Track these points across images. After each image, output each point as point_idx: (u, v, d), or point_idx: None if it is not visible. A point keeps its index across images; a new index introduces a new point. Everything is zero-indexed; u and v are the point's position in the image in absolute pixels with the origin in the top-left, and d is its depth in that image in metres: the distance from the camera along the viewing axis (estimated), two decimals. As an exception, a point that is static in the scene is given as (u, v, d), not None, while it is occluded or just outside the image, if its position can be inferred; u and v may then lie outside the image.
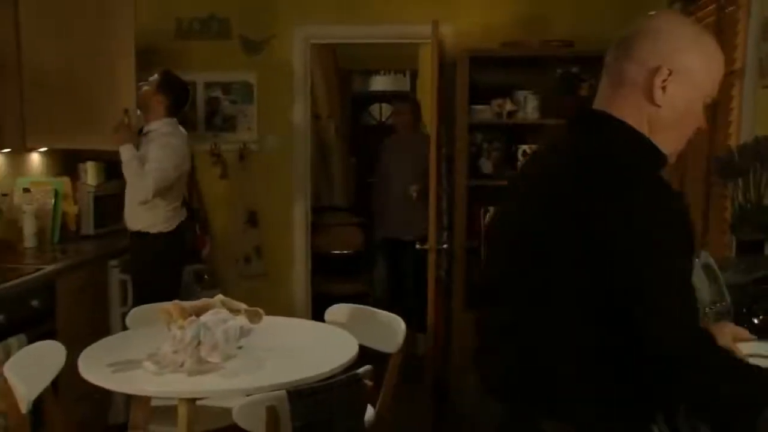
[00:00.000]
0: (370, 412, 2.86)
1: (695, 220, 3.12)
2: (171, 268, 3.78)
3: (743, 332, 1.63)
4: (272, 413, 2.12)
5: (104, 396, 3.45)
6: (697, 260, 2.07)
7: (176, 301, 2.58)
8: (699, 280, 1.97)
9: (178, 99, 3.87)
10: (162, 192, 3.68)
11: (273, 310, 3.16)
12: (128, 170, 3.66)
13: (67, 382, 2.42)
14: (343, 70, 8.10)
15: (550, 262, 1.37)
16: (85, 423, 3.59)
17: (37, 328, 3.14)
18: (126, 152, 3.65)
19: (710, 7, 3.15)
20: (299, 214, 4.84)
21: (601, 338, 1.35)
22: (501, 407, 1.48)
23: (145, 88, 3.86)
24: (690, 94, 1.43)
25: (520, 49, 4.37)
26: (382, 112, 9.65)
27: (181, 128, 3.91)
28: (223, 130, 4.78)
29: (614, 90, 1.45)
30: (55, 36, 3.83)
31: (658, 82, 1.40)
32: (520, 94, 4.37)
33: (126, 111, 3.81)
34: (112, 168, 4.47)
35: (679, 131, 1.46)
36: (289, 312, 4.14)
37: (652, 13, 1.51)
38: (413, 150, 5.08)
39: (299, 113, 4.79)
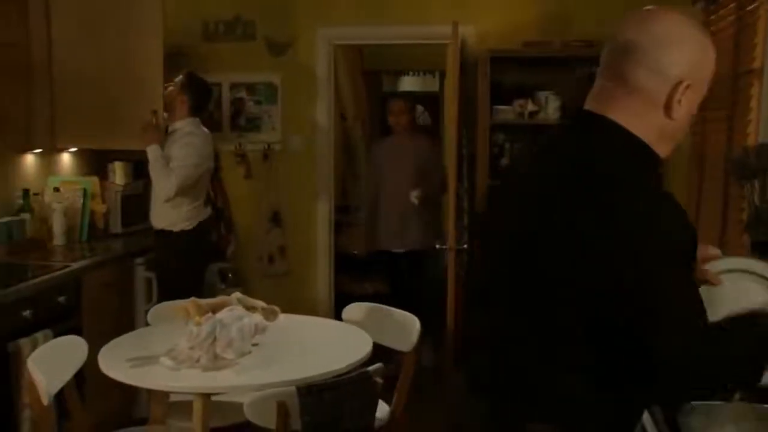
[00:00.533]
0: (385, 410, 2.91)
1: (713, 221, 3.10)
2: (193, 266, 3.85)
3: (712, 251, 1.55)
4: (282, 408, 2.17)
5: (128, 391, 3.53)
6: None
7: (193, 299, 2.64)
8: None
9: (200, 99, 3.96)
10: (185, 190, 3.77)
11: (296, 309, 3.22)
12: (153, 169, 3.77)
13: (93, 377, 2.50)
14: (372, 71, 8.14)
15: (540, 266, 1.36)
16: (111, 416, 3.67)
17: (63, 324, 3.23)
18: (152, 152, 3.75)
19: (730, 6, 3.12)
20: (322, 214, 4.89)
21: (588, 344, 1.34)
22: (485, 407, 1.47)
23: (170, 89, 3.96)
24: (697, 101, 1.40)
25: (541, 49, 4.36)
26: (411, 112, 9.68)
27: (204, 128, 3.99)
28: (248, 131, 4.85)
29: (619, 95, 1.37)
30: (84, 40, 3.94)
31: (677, 96, 1.34)
32: (542, 95, 4.37)
33: (154, 112, 3.91)
34: (139, 168, 4.59)
35: (680, 135, 1.44)
36: (311, 311, 4.18)
37: (658, 8, 1.40)
38: (413, 153, 4.84)
39: (323, 113, 4.84)
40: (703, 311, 1.34)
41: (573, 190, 1.34)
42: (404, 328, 2.94)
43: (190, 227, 3.87)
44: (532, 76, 4.46)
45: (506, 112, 4.39)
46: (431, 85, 9.29)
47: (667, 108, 1.35)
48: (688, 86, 1.34)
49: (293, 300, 4.43)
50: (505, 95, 4.42)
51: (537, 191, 1.41)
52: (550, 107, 4.35)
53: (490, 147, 4.43)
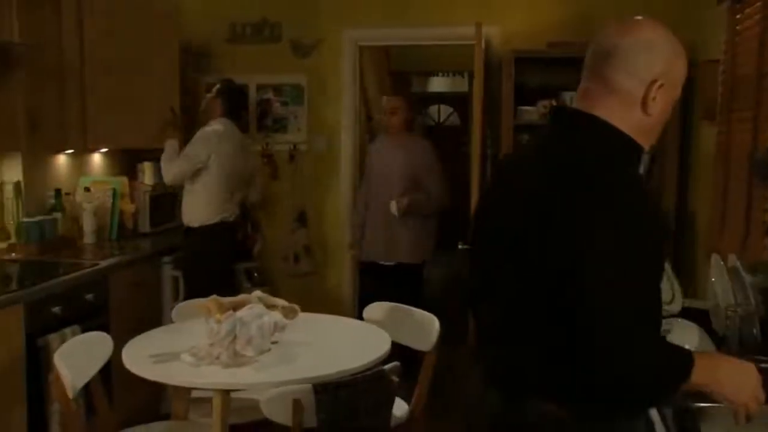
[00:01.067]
0: (404, 409, 2.93)
1: (737, 221, 3.06)
2: (216, 264, 3.91)
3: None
4: (298, 406, 2.20)
5: (155, 387, 3.60)
6: (721, 263, 2.06)
7: (214, 297, 2.69)
8: (721, 282, 1.96)
9: (234, 103, 4.14)
10: (187, 176, 3.95)
11: (320, 309, 3.26)
12: (162, 158, 3.99)
13: (120, 373, 2.56)
14: (401, 72, 8.16)
15: (527, 259, 1.44)
16: (138, 412, 3.75)
17: (92, 321, 3.31)
18: (169, 147, 3.91)
19: (756, 5, 3.08)
20: (348, 214, 4.93)
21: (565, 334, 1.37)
22: (497, 397, 1.54)
23: (208, 96, 4.12)
24: (673, 97, 1.54)
25: (565, 49, 4.32)
26: (440, 113, 9.68)
27: (237, 130, 4.13)
28: (274, 131, 4.92)
29: (602, 95, 1.50)
30: (113, 44, 4.05)
31: (652, 94, 1.49)
32: (566, 95, 4.34)
33: (171, 109, 4.05)
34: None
35: (658, 129, 1.57)
36: (336, 310, 4.22)
37: (636, 18, 1.53)
38: (403, 158, 4.37)
39: (348, 114, 4.88)
40: (653, 311, 1.42)
41: (565, 183, 1.42)
42: (423, 327, 2.96)
43: (207, 222, 3.95)
44: (556, 77, 4.44)
45: (530, 113, 4.39)
46: (460, 85, 9.28)
47: (641, 103, 1.49)
48: (661, 85, 1.49)
49: (318, 299, 4.49)
50: (529, 96, 4.41)
51: (533, 186, 1.49)
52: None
53: (515, 148, 4.42)
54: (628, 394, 1.38)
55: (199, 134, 4.00)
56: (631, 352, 1.32)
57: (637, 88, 1.49)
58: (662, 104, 1.51)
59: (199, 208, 3.98)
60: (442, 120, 9.69)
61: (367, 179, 4.58)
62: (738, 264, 2.05)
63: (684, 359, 1.41)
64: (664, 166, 4.21)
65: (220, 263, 3.91)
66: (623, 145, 1.50)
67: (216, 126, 4.02)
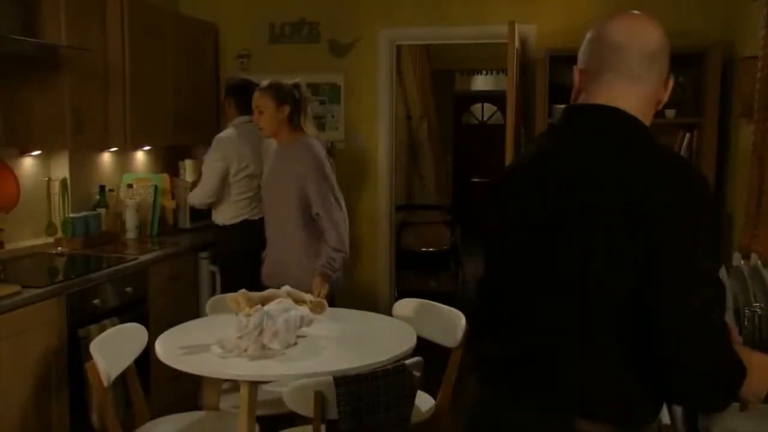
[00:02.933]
0: (430, 404, 2.97)
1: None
2: (243, 261, 3.98)
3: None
4: (319, 397, 2.26)
5: (193, 378, 3.69)
6: (741, 262, 2.04)
7: (243, 291, 2.77)
8: (735, 282, 1.95)
9: (242, 97, 4.02)
10: (216, 191, 4.03)
11: (356, 305, 3.32)
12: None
13: (158, 364, 2.66)
14: (444, 70, 8.18)
15: (594, 254, 1.40)
16: (177, 403, 3.87)
17: (131, 313, 3.44)
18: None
19: (793, 1, 3.02)
20: (384, 212, 4.98)
21: (624, 320, 1.40)
22: (532, 417, 1.50)
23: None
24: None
25: (602, 47, 4.30)
26: (483, 111, 9.66)
27: (249, 128, 3.94)
28: (312, 130, 4.98)
29: (628, 90, 1.53)
30: (154, 50, 4.24)
31: (663, 90, 1.58)
32: (602, 93, 4.30)
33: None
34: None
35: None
36: (372, 307, 4.26)
37: (638, 13, 1.58)
38: (290, 167, 3.45)
39: (385, 113, 4.92)
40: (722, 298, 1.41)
41: (610, 170, 1.44)
42: (450, 323, 2.99)
43: (232, 222, 4.06)
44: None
45: (565, 111, 4.35)
46: (504, 84, 9.24)
47: (659, 102, 1.59)
48: (666, 82, 1.58)
49: (354, 296, 4.54)
50: (565, 94, 4.37)
51: (573, 174, 1.48)
52: (611, 106, 4.28)
53: (521, 153, 4.40)
54: (712, 390, 1.39)
55: (212, 144, 4.02)
56: (715, 346, 1.36)
57: (658, 86, 1.56)
58: (664, 99, 1.60)
59: (222, 208, 4.08)
60: (485, 119, 9.67)
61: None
62: (759, 263, 2.03)
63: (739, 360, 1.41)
64: (700, 166, 4.15)
65: (245, 261, 3.95)
66: (647, 133, 1.54)
67: (228, 131, 4.04)
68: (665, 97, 1.58)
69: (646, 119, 1.55)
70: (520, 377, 1.52)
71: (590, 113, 1.57)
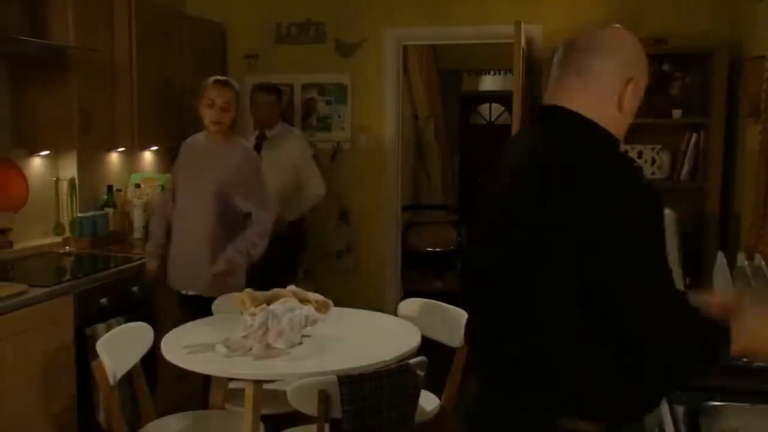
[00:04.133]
0: (435, 403, 2.97)
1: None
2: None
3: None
4: (323, 396, 2.27)
5: (200, 377, 3.70)
6: (746, 263, 2.04)
7: (248, 290, 2.78)
8: (724, 281, 1.96)
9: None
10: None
11: (363, 305, 3.33)
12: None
13: (165, 363, 2.67)
14: (451, 70, 8.17)
15: (545, 251, 1.45)
16: (184, 402, 3.88)
17: (137, 312, 3.44)
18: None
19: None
20: (390, 212, 4.99)
21: (582, 309, 1.44)
22: (518, 417, 1.52)
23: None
24: (640, 97, 1.60)
25: (608, 47, 4.30)
26: (491, 112, 9.65)
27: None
28: (319, 130, 5.01)
29: (579, 89, 1.55)
30: (161, 51, 4.26)
31: (628, 92, 1.55)
32: (609, 93, 4.30)
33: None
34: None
35: (626, 127, 1.63)
36: (378, 307, 4.28)
37: (608, 27, 1.60)
38: (218, 168, 3.39)
39: (391, 113, 4.93)
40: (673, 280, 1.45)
41: (560, 173, 1.48)
42: (455, 323, 2.99)
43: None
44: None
45: (572, 111, 4.35)
46: (512, 84, 9.21)
47: (619, 102, 1.55)
48: (635, 84, 1.55)
49: (360, 295, 4.56)
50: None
51: (534, 187, 1.51)
52: (617, 106, 4.27)
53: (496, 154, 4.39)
54: (686, 364, 1.43)
55: (295, 139, 4.40)
56: (681, 321, 1.41)
57: (616, 86, 1.54)
58: (632, 102, 1.57)
59: (293, 204, 4.24)
60: (493, 119, 9.66)
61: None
62: (764, 264, 2.03)
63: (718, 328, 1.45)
64: (707, 167, 4.14)
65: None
66: (608, 137, 1.55)
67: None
68: (628, 102, 1.55)
69: (603, 117, 1.54)
70: (516, 377, 1.53)
71: (542, 114, 1.64)
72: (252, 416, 2.48)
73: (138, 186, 4.35)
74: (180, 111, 4.41)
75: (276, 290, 2.86)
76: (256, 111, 4.42)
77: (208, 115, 3.37)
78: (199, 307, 3.29)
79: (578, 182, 1.42)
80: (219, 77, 3.45)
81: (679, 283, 3.53)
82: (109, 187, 4.20)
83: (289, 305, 2.72)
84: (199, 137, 3.53)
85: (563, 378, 1.46)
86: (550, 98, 1.59)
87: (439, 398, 3.00)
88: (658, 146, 4.32)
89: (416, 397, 2.47)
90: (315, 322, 2.76)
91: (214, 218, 3.38)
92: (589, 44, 1.55)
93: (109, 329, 3.05)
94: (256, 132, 4.40)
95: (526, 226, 1.48)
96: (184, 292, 3.53)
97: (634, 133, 4.26)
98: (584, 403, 1.46)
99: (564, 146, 1.51)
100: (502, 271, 1.53)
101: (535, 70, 4.53)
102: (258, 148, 4.21)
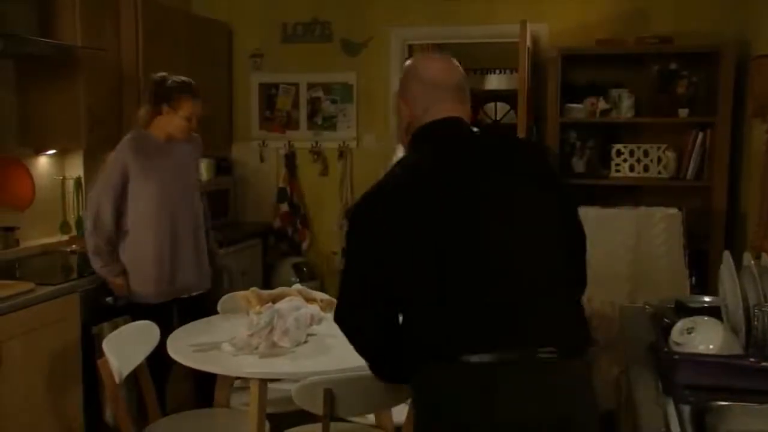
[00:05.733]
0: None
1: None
2: None
3: None
4: (328, 395, 2.27)
5: (192, 377, 3.69)
6: (752, 262, 2.04)
7: (254, 289, 2.79)
8: (730, 281, 1.95)
9: None
10: None
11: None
12: None
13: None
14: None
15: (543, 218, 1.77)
16: (190, 400, 3.90)
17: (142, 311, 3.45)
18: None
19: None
20: (395, 211, 4.97)
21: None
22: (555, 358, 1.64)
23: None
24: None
25: (613, 46, 4.29)
26: (497, 110, 9.63)
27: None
28: (324, 129, 5.01)
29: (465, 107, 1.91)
30: (167, 51, 4.25)
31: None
32: (615, 93, 4.30)
33: None
34: (221, 165, 4.84)
35: None
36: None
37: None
38: (189, 162, 3.47)
39: (396, 112, 4.92)
40: None
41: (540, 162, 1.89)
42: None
43: None
44: (605, 74, 4.40)
45: (577, 111, 4.35)
46: (517, 83, 9.19)
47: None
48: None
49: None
50: (578, 93, 4.38)
51: (512, 173, 1.81)
52: (624, 105, 4.27)
53: (561, 145, 4.40)
54: None
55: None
56: None
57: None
58: None
59: None
60: (499, 118, 9.64)
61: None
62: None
63: None
64: (713, 166, 4.13)
65: None
66: None
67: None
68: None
69: None
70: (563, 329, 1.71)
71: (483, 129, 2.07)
72: (258, 415, 2.49)
73: (144, 185, 4.35)
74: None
75: (282, 289, 2.87)
76: None
77: (179, 126, 3.31)
78: (198, 306, 3.35)
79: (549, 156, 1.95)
80: (192, 86, 3.30)
81: (685, 284, 3.53)
82: (116, 186, 4.20)
83: (295, 304, 2.73)
84: (148, 137, 3.33)
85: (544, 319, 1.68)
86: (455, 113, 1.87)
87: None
88: (664, 145, 4.31)
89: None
90: (320, 320, 2.76)
91: (200, 211, 3.48)
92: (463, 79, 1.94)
93: (115, 328, 3.06)
94: None
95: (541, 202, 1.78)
96: (185, 296, 3.41)
97: (640, 132, 4.34)
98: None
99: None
100: (533, 241, 1.72)
101: (540, 69, 4.53)
102: None
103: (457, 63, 1.95)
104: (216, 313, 3.13)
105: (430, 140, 1.85)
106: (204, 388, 3.10)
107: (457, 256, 1.67)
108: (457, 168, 1.76)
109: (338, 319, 1.85)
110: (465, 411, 1.60)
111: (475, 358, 1.60)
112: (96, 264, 3.24)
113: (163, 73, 3.33)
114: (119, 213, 3.25)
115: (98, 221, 3.21)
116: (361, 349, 1.90)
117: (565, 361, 1.63)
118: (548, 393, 1.60)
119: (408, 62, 2.03)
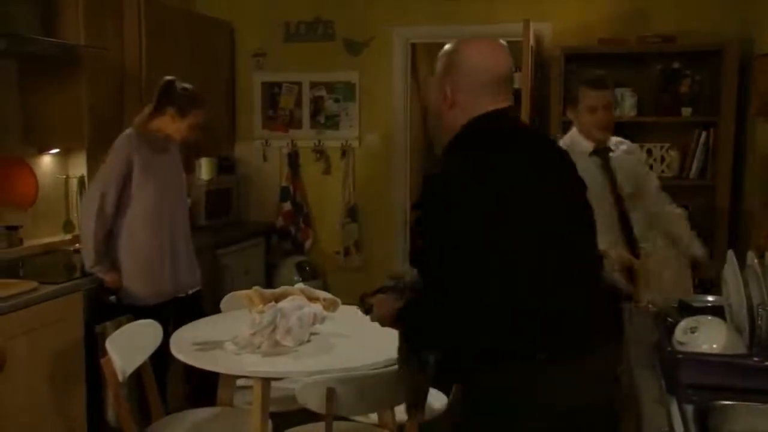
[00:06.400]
0: (443, 401, 2.97)
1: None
2: None
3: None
4: (331, 394, 2.27)
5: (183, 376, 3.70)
6: (755, 261, 2.03)
7: (257, 287, 2.79)
8: (734, 281, 1.95)
9: None
10: None
11: (371, 305, 3.31)
12: None
13: (175, 361, 2.68)
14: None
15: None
16: (192, 400, 3.90)
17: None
18: None
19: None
20: (398, 210, 4.98)
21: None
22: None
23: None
24: None
25: (616, 46, 4.29)
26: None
27: None
28: (327, 128, 5.01)
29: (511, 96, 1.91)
30: (170, 50, 4.26)
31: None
32: (617, 92, 4.28)
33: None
34: (224, 164, 4.84)
35: None
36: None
37: None
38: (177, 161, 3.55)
39: (399, 111, 4.93)
40: None
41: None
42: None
43: None
44: (608, 73, 4.38)
45: (581, 109, 4.33)
46: (519, 81, 9.19)
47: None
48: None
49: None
50: (580, 92, 4.35)
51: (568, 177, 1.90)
52: (626, 104, 4.27)
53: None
54: None
55: None
56: None
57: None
58: None
59: None
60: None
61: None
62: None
63: None
64: (717, 165, 4.12)
65: None
66: None
67: None
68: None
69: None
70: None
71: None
72: (260, 414, 2.49)
73: (147, 184, 4.36)
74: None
75: (284, 288, 2.87)
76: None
77: (179, 130, 3.35)
78: (193, 304, 3.40)
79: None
80: (203, 99, 3.36)
81: (688, 283, 3.53)
82: (119, 185, 4.21)
83: (298, 303, 2.73)
84: (148, 135, 3.35)
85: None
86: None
87: (447, 396, 3.00)
88: (668, 144, 4.30)
89: (424, 393, 2.46)
90: (323, 319, 2.77)
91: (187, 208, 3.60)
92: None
93: (118, 326, 3.07)
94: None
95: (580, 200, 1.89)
96: (182, 295, 3.44)
97: (643, 131, 4.33)
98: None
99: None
100: (583, 238, 1.84)
101: (543, 67, 4.52)
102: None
103: (507, 48, 1.90)
104: (210, 311, 3.15)
105: (486, 134, 1.82)
106: (203, 388, 3.10)
107: (539, 255, 1.72)
108: (527, 165, 1.80)
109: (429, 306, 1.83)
110: (526, 401, 1.71)
111: (542, 355, 1.69)
112: (89, 259, 3.22)
113: (172, 77, 3.36)
114: (117, 206, 3.24)
115: (104, 206, 3.19)
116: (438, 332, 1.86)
117: (604, 347, 1.78)
118: (596, 378, 1.75)
119: (453, 46, 1.88)
